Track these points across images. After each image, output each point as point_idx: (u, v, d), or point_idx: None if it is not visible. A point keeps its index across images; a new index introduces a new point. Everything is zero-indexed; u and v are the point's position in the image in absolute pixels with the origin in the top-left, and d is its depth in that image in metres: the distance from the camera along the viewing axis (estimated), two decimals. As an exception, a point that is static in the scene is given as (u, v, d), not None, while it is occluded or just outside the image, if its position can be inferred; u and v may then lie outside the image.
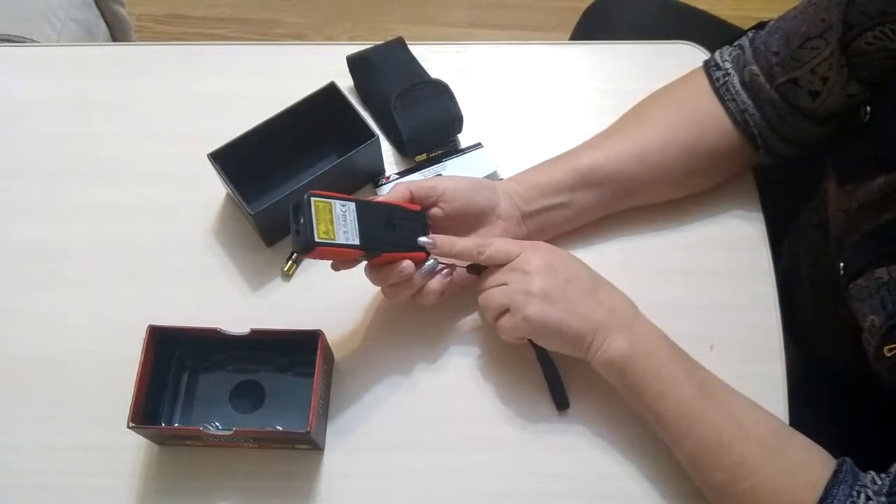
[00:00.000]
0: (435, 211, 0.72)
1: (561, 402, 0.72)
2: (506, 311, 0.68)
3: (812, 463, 0.62)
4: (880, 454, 0.62)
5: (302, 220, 0.62)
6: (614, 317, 0.68)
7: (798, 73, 0.71)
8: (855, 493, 0.59)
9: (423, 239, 0.69)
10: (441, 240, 0.69)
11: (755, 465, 0.62)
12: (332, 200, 0.65)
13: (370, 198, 0.70)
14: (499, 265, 0.70)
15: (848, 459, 0.62)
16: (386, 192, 0.71)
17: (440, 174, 0.83)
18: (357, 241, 0.65)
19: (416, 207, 0.71)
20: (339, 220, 0.64)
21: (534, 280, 0.67)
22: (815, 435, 0.65)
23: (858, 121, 0.67)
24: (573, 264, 0.71)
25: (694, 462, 0.65)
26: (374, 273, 0.69)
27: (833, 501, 0.59)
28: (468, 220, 0.73)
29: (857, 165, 0.68)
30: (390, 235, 0.67)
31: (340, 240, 0.64)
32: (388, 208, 0.69)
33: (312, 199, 0.63)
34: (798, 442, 0.64)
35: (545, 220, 0.76)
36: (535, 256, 0.69)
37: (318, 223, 0.62)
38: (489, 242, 0.70)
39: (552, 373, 0.72)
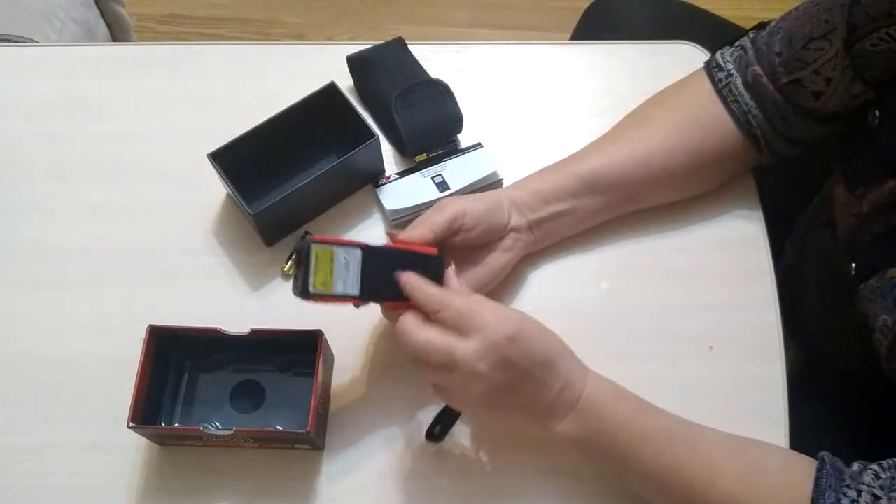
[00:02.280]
0: (455, 241, 0.70)
1: (435, 435, 0.70)
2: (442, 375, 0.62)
3: (793, 480, 0.60)
4: (890, 453, 0.60)
5: (301, 266, 0.61)
6: (560, 399, 0.63)
7: (801, 73, 0.71)
8: (843, 495, 0.57)
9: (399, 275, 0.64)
10: (411, 282, 0.63)
11: (737, 503, 0.61)
12: (335, 247, 0.62)
13: (386, 242, 0.67)
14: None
15: (826, 458, 0.60)
16: (405, 230, 0.68)
17: (440, 174, 0.83)
18: (356, 292, 0.63)
19: (433, 251, 0.67)
20: (340, 268, 0.62)
21: (478, 382, 0.60)
22: (817, 434, 0.65)
23: (867, 125, 0.67)
24: (531, 352, 0.62)
25: None
26: (382, 309, 0.69)
27: None
28: (486, 240, 0.72)
29: (866, 170, 0.68)
30: (395, 284, 0.64)
31: (338, 290, 0.62)
32: (400, 254, 0.66)
33: (313, 246, 0.61)
34: (775, 463, 0.63)
35: (550, 227, 0.76)
36: (493, 351, 0.60)
37: (315, 273, 0.61)
38: (449, 304, 0.61)
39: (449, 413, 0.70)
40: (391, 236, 0.67)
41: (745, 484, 0.61)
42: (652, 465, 0.63)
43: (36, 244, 0.82)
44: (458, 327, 0.61)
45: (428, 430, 0.71)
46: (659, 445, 0.63)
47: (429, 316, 0.62)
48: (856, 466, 0.60)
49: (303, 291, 0.61)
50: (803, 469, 0.60)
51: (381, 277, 0.64)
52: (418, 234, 0.67)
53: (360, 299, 0.64)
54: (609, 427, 0.64)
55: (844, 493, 0.58)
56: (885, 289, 0.63)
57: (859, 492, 0.57)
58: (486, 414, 0.69)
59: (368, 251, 0.64)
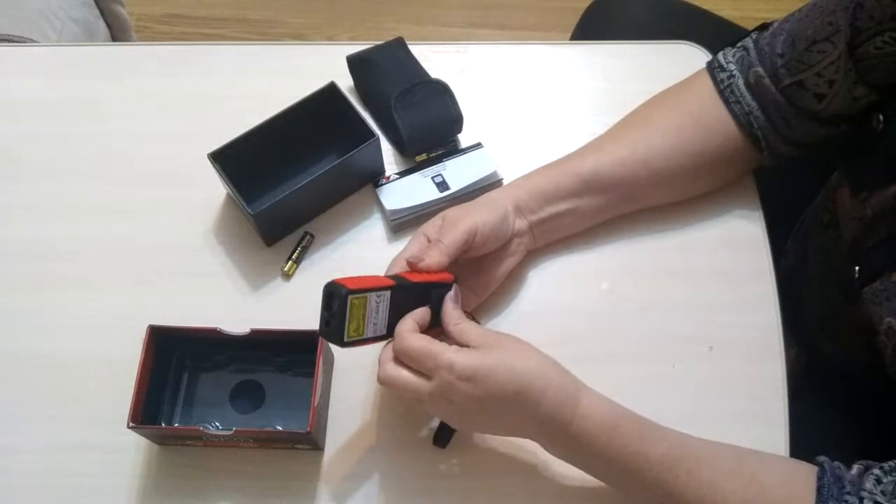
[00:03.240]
0: (464, 256, 0.70)
1: (442, 440, 0.71)
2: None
3: (794, 493, 0.60)
4: (891, 454, 0.60)
5: (334, 311, 0.60)
6: (546, 426, 0.62)
7: (804, 75, 0.71)
8: (845, 503, 0.57)
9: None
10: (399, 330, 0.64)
11: None
12: (369, 293, 0.61)
13: (404, 273, 0.66)
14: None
15: (826, 465, 0.60)
16: (415, 254, 0.67)
17: (440, 174, 0.83)
18: (384, 332, 0.64)
19: (447, 277, 0.68)
20: (371, 313, 0.62)
21: (451, 409, 0.62)
22: (818, 434, 0.64)
23: (871, 129, 0.67)
24: (494, 386, 0.60)
25: None
26: None
27: None
28: (492, 249, 0.72)
29: (871, 174, 0.68)
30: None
31: (369, 334, 0.63)
32: (422, 287, 0.66)
33: (350, 296, 0.60)
34: (776, 478, 0.62)
35: (550, 226, 0.76)
36: (450, 390, 0.60)
37: (350, 321, 0.61)
38: (407, 349, 0.62)
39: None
40: (411, 265, 0.66)
41: (745, 497, 0.60)
42: (653, 490, 0.62)
43: (36, 244, 0.82)
44: (420, 366, 0.61)
45: (435, 436, 0.71)
46: (659, 471, 0.61)
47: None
48: (856, 469, 0.60)
49: (337, 341, 0.61)
50: (804, 480, 0.60)
51: (404, 313, 0.64)
52: (435, 262, 0.66)
53: (387, 337, 0.65)
54: (605, 455, 0.62)
55: (846, 501, 0.57)
56: (890, 292, 0.63)
57: (861, 499, 0.57)
58: (479, 431, 0.69)
59: (396, 291, 0.64)
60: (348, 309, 0.60)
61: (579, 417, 0.61)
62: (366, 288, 0.62)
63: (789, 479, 0.61)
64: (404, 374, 0.62)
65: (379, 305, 0.63)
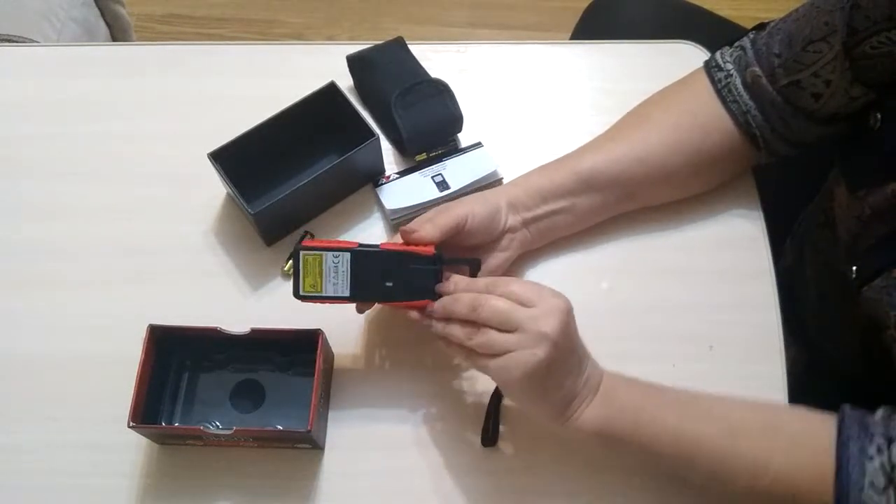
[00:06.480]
0: (452, 243, 0.70)
1: (488, 439, 0.71)
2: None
3: (814, 430, 0.61)
4: None
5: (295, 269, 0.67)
6: (587, 385, 0.65)
7: (801, 75, 0.71)
8: (869, 441, 0.57)
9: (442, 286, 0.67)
10: (456, 281, 0.67)
11: (767, 457, 0.61)
12: (324, 252, 0.66)
13: (384, 244, 0.68)
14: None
15: (846, 410, 0.60)
16: (413, 226, 0.69)
17: (440, 174, 0.83)
18: (347, 293, 0.67)
19: (430, 252, 0.68)
20: (329, 272, 0.66)
21: (542, 345, 0.60)
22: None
23: (868, 128, 0.67)
24: (577, 332, 0.65)
25: (711, 480, 0.64)
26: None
27: (849, 463, 0.57)
28: (482, 243, 0.73)
29: (868, 172, 0.68)
30: (391, 285, 0.67)
31: (328, 292, 0.66)
32: (394, 256, 0.67)
33: (301, 253, 0.66)
34: (792, 416, 0.64)
35: (548, 224, 0.76)
36: (555, 315, 0.61)
37: (304, 277, 0.66)
38: (510, 280, 0.64)
39: (494, 410, 0.71)
40: (403, 235, 0.68)
41: (769, 437, 0.62)
42: (677, 435, 0.63)
43: (36, 244, 0.82)
44: (522, 298, 0.62)
45: (483, 435, 0.71)
46: (680, 414, 0.64)
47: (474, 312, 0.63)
48: (880, 413, 0.60)
49: (295, 294, 0.67)
50: (822, 420, 0.61)
51: (372, 279, 0.67)
52: (426, 233, 0.68)
53: (352, 300, 0.67)
54: (631, 405, 0.65)
55: (870, 440, 0.57)
56: (892, 287, 0.63)
57: (890, 440, 0.57)
58: (526, 394, 0.64)
59: (358, 254, 0.67)
60: (301, 264, 0.66)
61: (605, 379, 0.65)
62: (322, 247, 0.66)
63: (807, 418, 0.63)
64: (509, 301, 0.62)
65: (338, 266, 0.66)
